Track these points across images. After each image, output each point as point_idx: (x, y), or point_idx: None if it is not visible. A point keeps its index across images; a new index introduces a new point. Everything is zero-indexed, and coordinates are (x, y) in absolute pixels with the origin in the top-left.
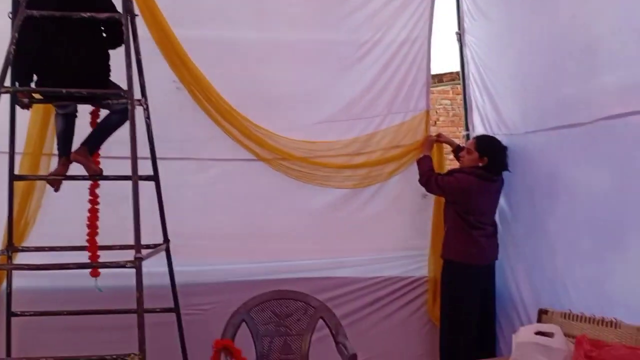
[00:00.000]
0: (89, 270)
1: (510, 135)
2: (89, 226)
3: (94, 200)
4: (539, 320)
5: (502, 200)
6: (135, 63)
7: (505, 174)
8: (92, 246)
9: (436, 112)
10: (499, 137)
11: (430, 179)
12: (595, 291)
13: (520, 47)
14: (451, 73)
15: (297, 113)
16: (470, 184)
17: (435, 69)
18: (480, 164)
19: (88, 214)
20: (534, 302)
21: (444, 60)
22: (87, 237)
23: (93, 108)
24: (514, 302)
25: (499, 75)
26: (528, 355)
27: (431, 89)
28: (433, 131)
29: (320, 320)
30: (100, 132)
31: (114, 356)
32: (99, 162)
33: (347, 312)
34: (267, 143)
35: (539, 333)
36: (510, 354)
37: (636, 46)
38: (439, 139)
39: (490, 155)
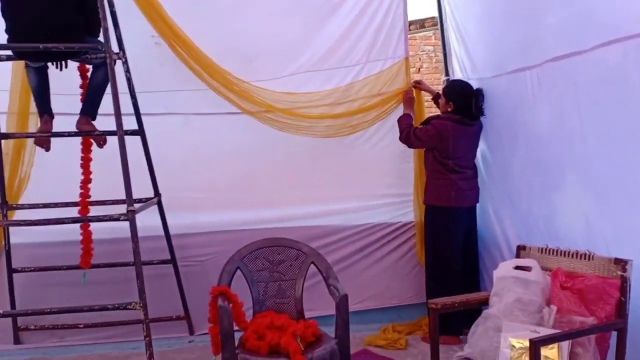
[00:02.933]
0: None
1: (481, 80)
2: (82, 181)
3: (86, 157)
4: (518, 256)
5: (482, 144)
6: (110, 15)
7: (482, 117)
8: (84, 201)
9: (419, 59)
10: (472, 82)
11: (409, 134)
12: (548, 228)
13: None
14: (433, 18)
15: (275, 65)
16: (445, 127)
17: (416, 14)
18: (449, 109)
19: (81, 170)
20: (514, 240)
21: (425, 5)
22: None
23: (80, 69)
24: (496, 241)
25: (469, 19)
26: (508, 288)
27: (414, 35)
28: (417, 78)
29: (313, 268)
30: (92, 95)
31: (116, 305)
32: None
33: (338, 259)
34: (250, 96)
35: (517, 267)
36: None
37: None
38: (418, 86)
39: (455, 100)
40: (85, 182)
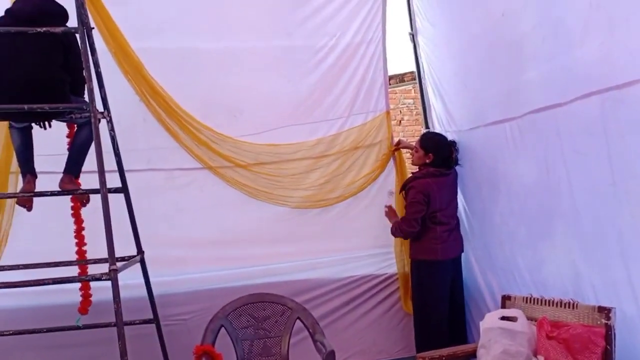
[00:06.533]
0: (77, 291)
1: (459, 132)
2: (77, 244)
3: (78, 220)
4: (503, 306)
5: (461, 195)
6: (95, 76)
7: (458, 169)
8: (82, 256)
9: (400, 111)
10: (449, 134)
11: (400, 227)
12: (533, 278)
13: (460, 45)
14: (412, 72)
15: (260, 119)
16: (428, 185)
17: (396, 69)
18: (427, 161)
19: (75, 233)
20: (498, 290)
21: (404, 60)
22: (76, 255)
23: (68, 126)
24: (480, 291)
25: (445, 74)
26: (494, 340)
27: (394, 88)
28: (398, 130)
29: (298, 323)
30: (77, 153)
31: None
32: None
33: (324, 313)
34: (222, 154)
35: (503, 318)
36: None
37: (554, 40)
38: (399, 146)
39: (434, 151)
40: (80, 239)
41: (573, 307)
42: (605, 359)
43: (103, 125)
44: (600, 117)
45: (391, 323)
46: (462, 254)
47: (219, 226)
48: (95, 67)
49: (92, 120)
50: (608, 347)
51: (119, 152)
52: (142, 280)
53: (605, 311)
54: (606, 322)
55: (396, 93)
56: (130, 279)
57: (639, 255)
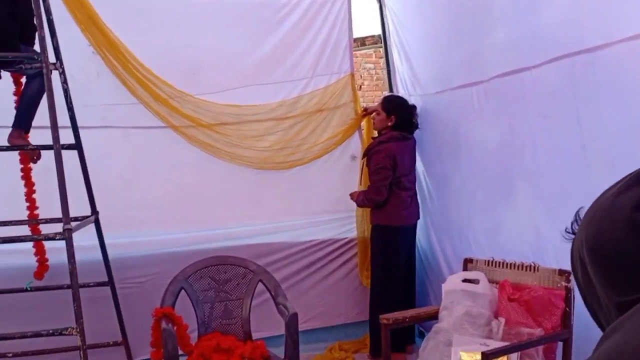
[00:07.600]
0: (30, 252)
1: (424, 96)
2: (28, 207)
3: (28, 181)
4: (465, 269)
5: (421, 160)
6: (47, 24)
7: (418, 134)
8: (32, 215)
9: (360, 76)
10: (414, 98)
11: (368, 198)
12: (490, 242)
13: (431, 7)
14: (373, 36)
15: (219, 78)
16: (392, 149)
17: (358, 33)
18: (390, 124)
19: (25, 195)
20: (454, 254)
21: (366, 23)
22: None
23: (14, 78)
24: (436, 255)
25: (414, 36)
26: (457, 302)
27: (355, 52)
28: (358, 95)
29: (260, 286)
30: (26, 107)
31: (50, 331)
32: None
33: (284, 276)
34: (183, 112)
35: (465, 281)
36: (440, 304)
37: (522, 2)
38: (367, 112)
39: (396, 113)
40: (31, 202)
41: (534, 270)
42: (564, 320)
43: (55, 78)
44: (570, 80)
45: (350, 287)
46: (419, 220)
47: (178, 187)
48: (46, 14)
49: (45, 71)
50: (567, 309)
51: (73, 107)
52: (96, 242)
53: (565, 274)
54: (566, 284)
55: (357, 57)
56: (84, 241)
57: None
